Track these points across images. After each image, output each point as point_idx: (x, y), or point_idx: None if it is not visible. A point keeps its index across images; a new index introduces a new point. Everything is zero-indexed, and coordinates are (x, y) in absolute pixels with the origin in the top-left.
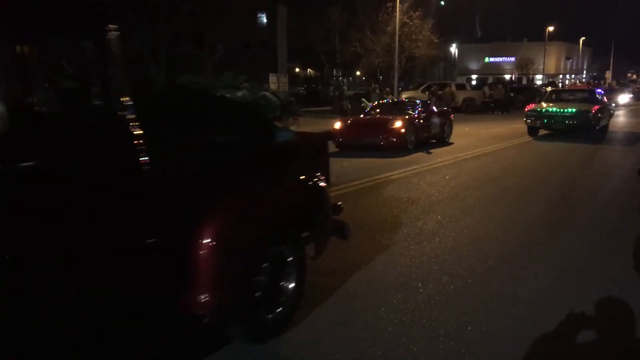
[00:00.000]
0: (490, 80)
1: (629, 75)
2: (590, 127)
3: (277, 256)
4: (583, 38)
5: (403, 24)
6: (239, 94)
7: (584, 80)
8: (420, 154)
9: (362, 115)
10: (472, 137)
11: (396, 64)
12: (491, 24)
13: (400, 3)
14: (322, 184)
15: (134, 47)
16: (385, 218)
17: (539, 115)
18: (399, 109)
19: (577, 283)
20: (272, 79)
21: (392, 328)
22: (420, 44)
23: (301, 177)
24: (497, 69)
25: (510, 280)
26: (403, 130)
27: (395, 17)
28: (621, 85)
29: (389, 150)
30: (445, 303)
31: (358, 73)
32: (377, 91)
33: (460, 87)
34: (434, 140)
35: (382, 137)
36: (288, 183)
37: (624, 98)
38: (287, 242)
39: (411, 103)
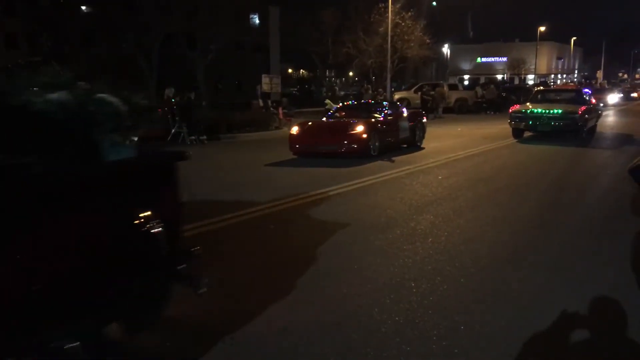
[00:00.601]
0: (482, 80)
1: (620, 74)
2: (577, 129)
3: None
4: (574, 38)
5: (395, 25)
6: (54, 96)
7: (575, 79)
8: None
9: (324, 119)
10: (464, 138)
11: (389, 65)
12: (483, 24)
13: (392, 4)
14: (156, 227)
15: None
16: (379, 218)
17: (523, 116)
18: (363, 111)
19: (568, 283)
20: (265, 79)
21: (385, 328)
22: (412, 44)
23: (116, 218)
24: (489, 69)
25: (502, 280)
26: (365, 135)
27: (387, 18)
28: (612, 84)
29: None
30: (439, 303)
31: (351, 74)
32: (369, 92)
33: (453, 87)
34: (406, 145)
35: (341, 144)
36: (89, 227)
37: (613, 98)
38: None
39: (378, 105)
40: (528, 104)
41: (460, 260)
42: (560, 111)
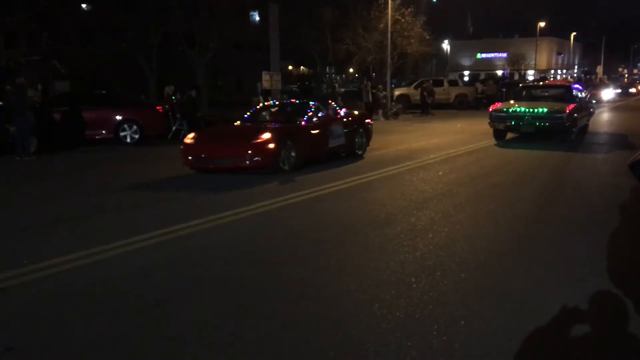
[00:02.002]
0: (482, 76)
1: (620, 69)
2: (564, 130)
3: None
4: (574, 33)
5: (395, 21)
6: None
7: (575, 75)
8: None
9: (237, 123)
10: (464, 134)
11: (388, 61)
12: (483, 20)
13: (392, 0)
14: None
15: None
16: (379, 214)
17: (505, 116)
18: (283, 114)
19: (568, 277)
20: (265, 77)
21: (386, 324)
22: (412, 40)
23: None
24: (489, 65)
25: (502, 275)
26: (272, 145)
27: (387, 14)
28: (612, 80)
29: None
30: (439, 298)
31: (351, 70)
32: (369, 88)
33: (453, 83)
34: (344, 154)
35: (243, 156)
36: None
37: (608, 94)
38: None
39: (302, 106)
40: (511, 101)
41: (460, 255)
42: (545, 110)
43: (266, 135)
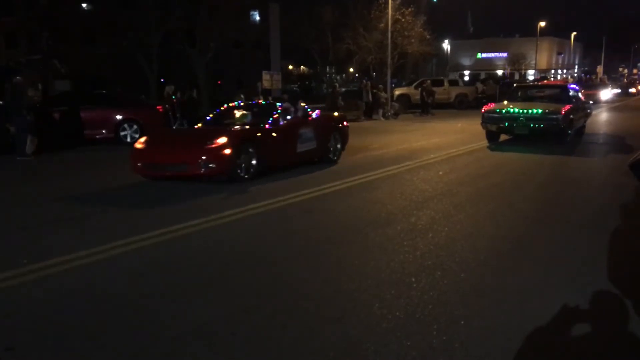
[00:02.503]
0: (482, 76)
1: (620, 69)
2: (559, 132)
3: None
4: (574, 33)
5: (395, 21)
6: None
7: (575, 74)
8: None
9: (198, 125)
10: (464, 134)
11: (389, 61)
12: (483, 20)
13: (392, 0)
14: None
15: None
16: (379, 214)
17: (498, 117)
18: (248, 115)
19: (568, 277)
20: (266, 76)
21: (386, 324)
22: (412, 40)
23: None
24: (490, 64)
25: (502, 275)
26: (228, 150)
27: (387, 13)
28: (613, 79)
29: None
30: (439, 298)
31: (351, 70)
32: (369, 88)
33: (453, 83)
34: (317, 160)
35: (196, 162)
36: None
37: (606, 94)
38: None
39: (268, 107)
40: (505, 102)
41: (461, 255)
42: (539, 111)
43: (222, 140)
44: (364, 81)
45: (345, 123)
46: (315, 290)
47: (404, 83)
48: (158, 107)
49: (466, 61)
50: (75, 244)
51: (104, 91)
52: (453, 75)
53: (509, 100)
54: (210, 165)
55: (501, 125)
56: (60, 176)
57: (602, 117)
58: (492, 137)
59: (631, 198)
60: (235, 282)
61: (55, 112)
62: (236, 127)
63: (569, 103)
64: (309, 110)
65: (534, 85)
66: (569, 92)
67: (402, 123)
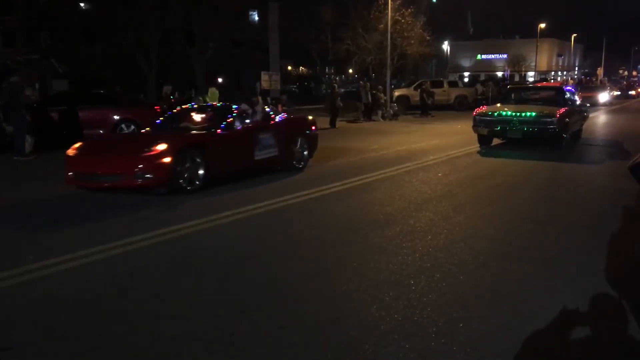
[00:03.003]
0: (482, 77)
1: (620, 71)
2: (554, 136)
3: None
4: (575, 35)
5: (395, 22)
6: None
7: (575, 76)
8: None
9: (145, 130)
10: (464, 135)
11: (388, 62)
12: (483, 21)
13: (392, 0)
14: None
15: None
16: (378, 215)
17: (490, 120)
18: (198, 119)
19: (567, 279)
20: (265, 77)
21: (384, 325)
22: (412, 41)
23: None
24: (490, 66)
25: (501, 277)
26: (167, 159)
27: (387, 14)
28: (613, 82)
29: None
30: (437, 300)
31: (350, 71)
32: (368, 89)
33: (453, 84)
34: (279, 167)
35: (131, 172)
36: None
37: (604, 96)
38: None
39: (223, 110)
40: (498, 104)
41: (460, 257)
42: (533, 114)
43: (161, 147)
44: (362, 82)
45: (313, 128)
46: (314, 291)
47: (403, 84)
48: (156, 107)
49: (466, 62)
50: (74, 244)
51: (102, 91)
52: (453, 77)
53: (502, 103)
54: (147, 175)
55: (493, 128)
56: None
57: (600, 120)
58: (484, 141)
59: (631, 200)
60: (236, 277)
61: (53, 112)
62: (184, 132)
63: (564, 106)
64: (271, 113)
65: (528, 87)
66: (565, 94)
67: (401, 124)
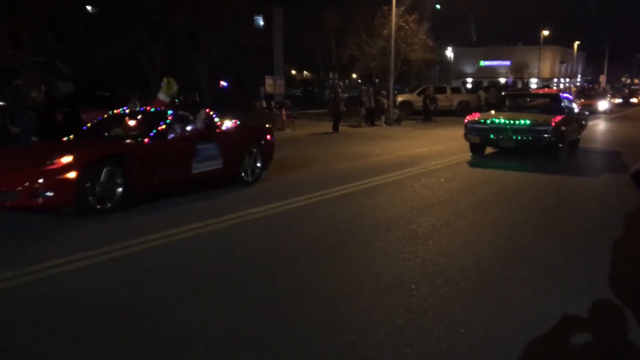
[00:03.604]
0: (485, 83)
1: (623, 79)
2: (549, 145)
3: None
4: (578, 42)
5: (399, 28)
6: None
7: (578, 83)
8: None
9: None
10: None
11: (392, 67)
12: (486, 28)
13: (396, 7)
14: None
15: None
16: (380, 220)
17: (482, 128)
18: (127, 126)
19: (569, 286)
20: (269, 81)
21: (385, 330)
22: (415, 47)
23: None
24: (493, 72)
25: (502, 283)
26: (72, 174)
27: (391, 20)
28: (615, 89)
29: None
30: (439, 305)
31: (354, 76)
32: (371, 94)
33: (456, 90)
34: (225, 181)
35: (28, 190)
36: None
37: (604, 104)
38: None
39: (156, 116)
40: (492, 112)
41: (461, 262)
42: (528, 122)
43: (65, 159)
44: (365, 87)
45: (269, 137)
46: (314, 295)
47: (406, 90)
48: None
49: (469, 69)
50: (77, 245)
51: (107, 93)
52: (456, 83)
53: (496, 110)
54: (48, 193)
55: (486, 137)
56: None
57: (599, 129)
58: (476, 149)
59: (632, 208)
60: (236, 278)
61: (58, 114)
62: (109, 140)
63: (560, 114)
64: (217, 120)
65: (524, 94)
66: (562, 101)
67: (404, 130)
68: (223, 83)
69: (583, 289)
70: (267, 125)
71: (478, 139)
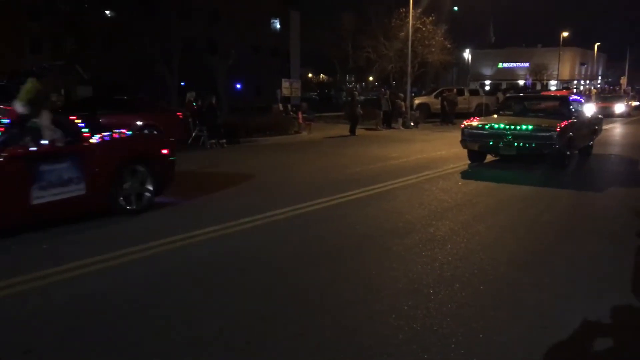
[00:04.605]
0: (504, 85)
1: None
2: (554, 153)
3: None
4: (598, 44)
5: (416, 30)
6: None
7: (598, 85)
8: None
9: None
10: None
11: (409, 70)
12: (505, 29)
13: (413, 9)
14: None
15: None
16: (397, 224)
17: (480, 133)
18: None
19: (590, 291)
20: (285, 84)
21: (402, 335)
22: (433, 49)
23: None
24: (511, 74)
25: (522, 288)
26: None
27: (408, 22)
28: (637, 91)
29: None
30: (457, 310)
31: (371, 78)
32: (388, 96)
33: (474, 92)
34: (93, 211)
35: None
36: None
37: (620, 107)
38: None
39: None
40: (495, 116)
41: (480, 266)
42: (530, 127)
43: None
44: (382, 90)
45: (165, 150)
46: (331, 299)
47: (423, 92)
48: (178, 113)
49: (487, 71)
50: (96, 248)
51: (125, 97)
52: (474, 85)
53: (497, 114)
54: None
55: (485, 143)
56: None
57: (614, 134)
58: (475, 157)
59: None
60: (249, 284)
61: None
62: None
63: (568, 118)
64: (84, 131)
65: (530, 97)
66: (570, 105)
67: (421, 132)
68: (237, 85)
69: (605, 295)
70: (159, 138)
71: (476, 145)
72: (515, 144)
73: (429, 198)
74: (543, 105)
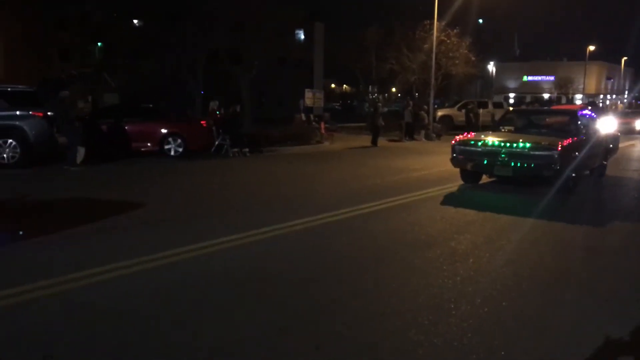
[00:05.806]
0: (528, 99)
1: None
2: (554, 175)
3: None
4: (625, 58)
5: (440, 42)
6: None
7: (625, 100)
8: None
9: None
10: None
11: (432, 82)
12: (530, 42)
13: (438, 21)
14: None
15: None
16: (418, 237)
17: (473, 151)
18: None
19: (613, 310)
20: (308, 94)
21: (422, 351)
22: (457, 61)
23: None
24: (536, 87)
25: (545, 305)
26: None
27: (432, 34)
28: None
29: None
30: (478, 326)
31: (393, 90)
32: (411, 108)
33: (498, 105)
34: None
35: None
36: None
37: None
38: None
39: None
40: (490, 132)
41: (502, 282)
42: (528, 145)
43: None
44: (407, 101)
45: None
46: (350, 312)
47: (447, 104)
48: (202, 122)
49: (512, 84)
50: (115, 255)
51: (150, 105)
52: (498, 98)
53: (493, 130)
54: None
55: (478, 162)
56: (105, 187)
57: (633, 151)
58: (468, 177)
59: None
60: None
61: (103, 124)
62: None
63: (574, 135)
64: None
65: (534, 111)
66: (579, 120)
67: (444, 144)
68: (261, 96)
69: (628, 313)
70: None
71: (469, 164)
72: (512, 164)
73: (450, 211)
74: (548, 120)
